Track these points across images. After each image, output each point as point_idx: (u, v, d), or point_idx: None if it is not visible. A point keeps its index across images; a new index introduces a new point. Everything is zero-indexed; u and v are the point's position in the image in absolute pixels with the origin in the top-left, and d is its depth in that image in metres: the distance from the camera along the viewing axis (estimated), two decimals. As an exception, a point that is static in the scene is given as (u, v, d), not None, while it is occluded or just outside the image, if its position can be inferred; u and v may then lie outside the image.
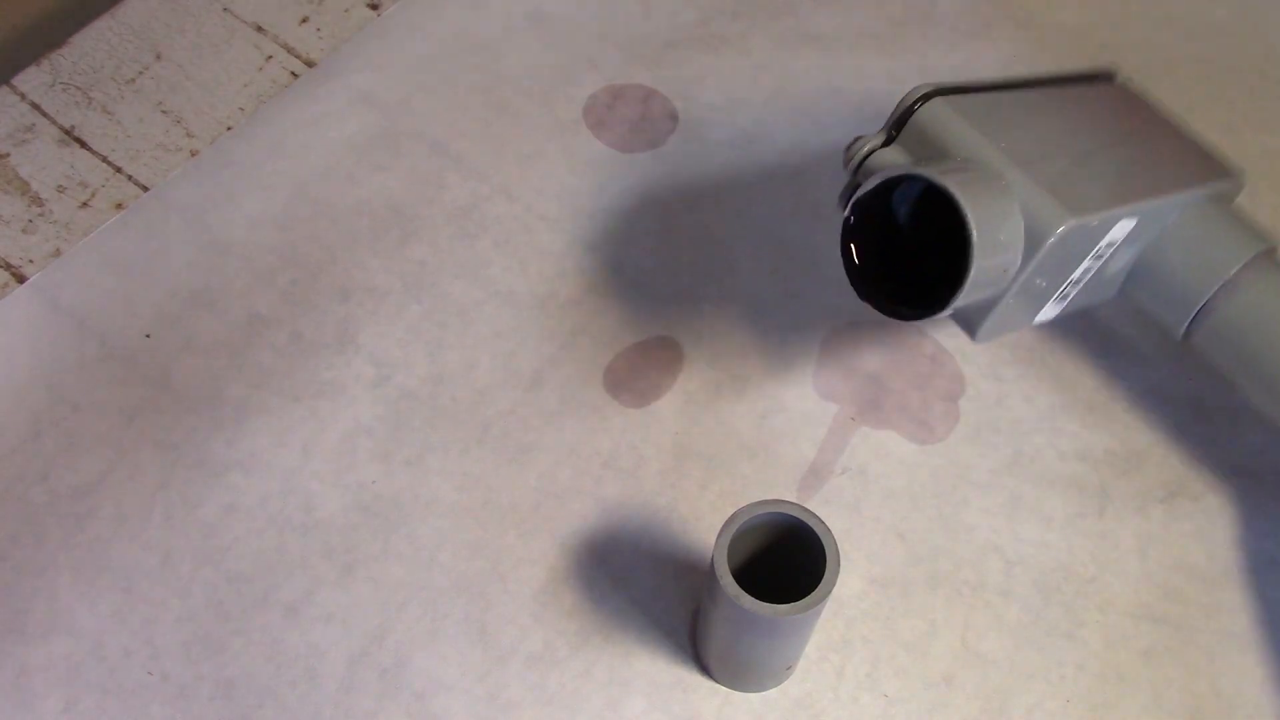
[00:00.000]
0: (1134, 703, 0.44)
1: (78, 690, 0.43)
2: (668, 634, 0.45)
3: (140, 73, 0.57)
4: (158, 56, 0.58)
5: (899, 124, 0.41)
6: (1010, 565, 0.47)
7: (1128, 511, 0.48)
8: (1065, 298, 0.43)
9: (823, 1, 0.61)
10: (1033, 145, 0.41)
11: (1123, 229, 0.41)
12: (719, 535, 0.37)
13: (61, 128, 0.55)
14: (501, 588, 0.46)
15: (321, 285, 0.52)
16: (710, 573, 0.38)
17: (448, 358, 0.50)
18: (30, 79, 0.56)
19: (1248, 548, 0.47)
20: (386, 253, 0.53)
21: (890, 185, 0.38)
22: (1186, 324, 0.44)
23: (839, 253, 0.39)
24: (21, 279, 0.51)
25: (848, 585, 0.46)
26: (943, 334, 0.52)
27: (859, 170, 0.42)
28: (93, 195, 0.54)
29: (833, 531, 0.37)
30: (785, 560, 0.39)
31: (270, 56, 0.58)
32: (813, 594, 0.36)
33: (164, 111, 0.56)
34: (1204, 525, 0.48)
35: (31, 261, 0.52)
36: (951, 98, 0.41)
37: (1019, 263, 0.38)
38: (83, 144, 0.55)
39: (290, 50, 0.59)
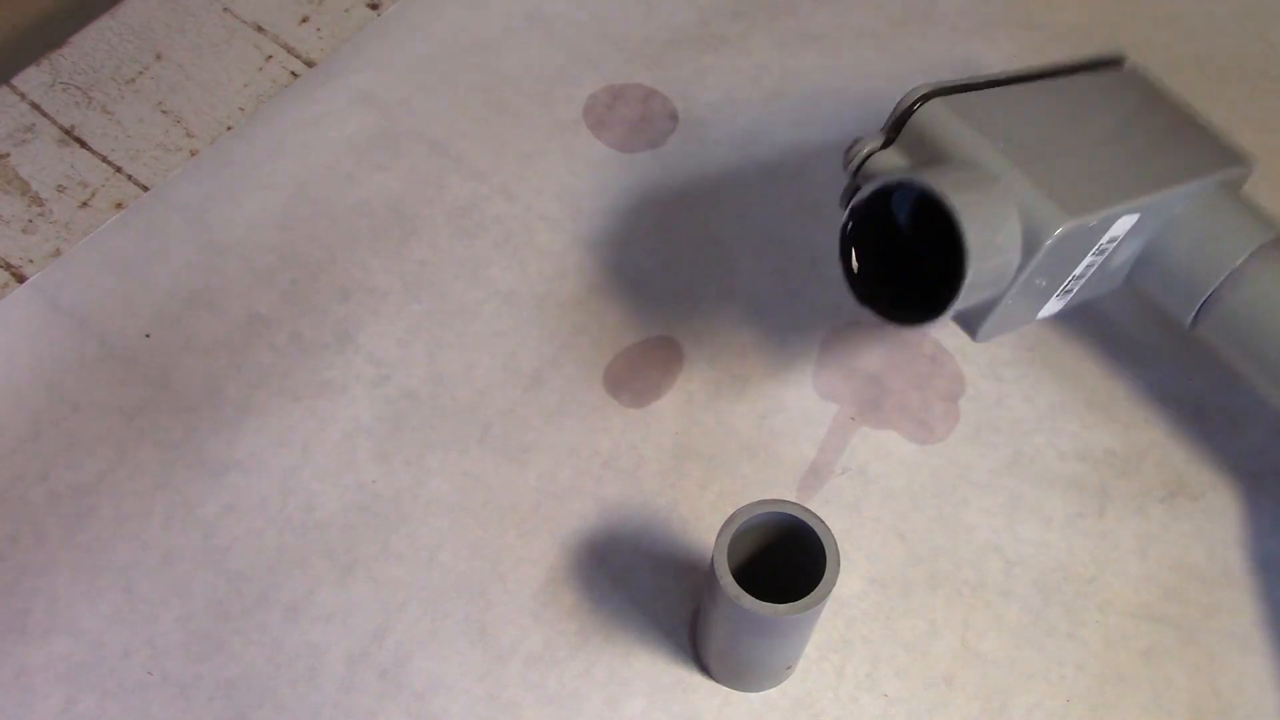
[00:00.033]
0: (1134, 703, 0.44)
1: (78, 690, 0.43)
2: (668, 634, 0.45)
3: (140, 73, 0.57)
4: (158, 56, 0.58)
5: (898, 125, 0.41)
6: (1010, 565, 0.47)
7: (1128, 511, 0.48)
8: (1069, 293, 0.43)
9: (823, 1, 0.61)
10: (1033, 143, 0.40)
11: (1125, 224, 0.41)
12: (719, 535, 0.37)
13: (61, 128, 0.55)
14: (501, 588, 0.46)
15: (321, 285, 0.52)
16: (710, 573, 0.38)
17: (447, 357, 0.50)
18: (30, 79, 0.56)
19: (1248, 547, 0.47)
20: (386, 253, 0.53)
21: (886, 191, 0.37)
22: (1193, 313, 0.44)
23: (838, 256, 0.39)
24: (21, 279, 0.51)
25: (848, 585, 0.46)
26: (943, 334, 0.52)
27: (858, 173, 0.42)
28: (93, 195, 0.54)
29: (833, 531, 0.37)
30: (785, 560, 0.39)
31: (270, 56, 0.58)
32: (813, 594, 0.36)
33: (164, 111, 0.56)
34: (1204, 525, 0.48)
35: (31, 261, 0.52)
36: (950, 98, 0.41)
37: (1017, 264, 0.38)
38: (83, 144, 0.55)
39: (290, 50, 0.59)
